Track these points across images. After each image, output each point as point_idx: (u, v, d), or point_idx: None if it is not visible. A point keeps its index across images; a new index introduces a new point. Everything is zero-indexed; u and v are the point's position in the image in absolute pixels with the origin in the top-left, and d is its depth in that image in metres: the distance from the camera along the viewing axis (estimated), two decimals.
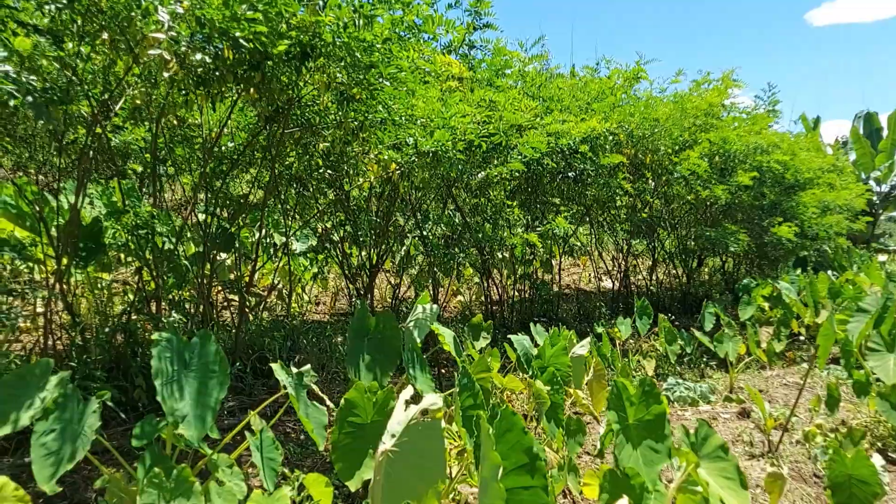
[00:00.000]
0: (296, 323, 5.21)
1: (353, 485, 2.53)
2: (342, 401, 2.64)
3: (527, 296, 8.76)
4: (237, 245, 5.52)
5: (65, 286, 3.97)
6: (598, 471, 3.20)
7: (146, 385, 4.02)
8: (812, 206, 10.73)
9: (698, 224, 9.90)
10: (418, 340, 3.47)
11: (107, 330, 4.00)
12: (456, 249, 6.25)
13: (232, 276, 6.39)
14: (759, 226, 9.93)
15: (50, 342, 3.83)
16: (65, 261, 4.04)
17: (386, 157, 4.48)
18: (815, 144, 14.88)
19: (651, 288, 10.25)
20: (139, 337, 4.08)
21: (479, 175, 6.10)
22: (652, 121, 8.00)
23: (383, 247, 6.36)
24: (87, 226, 4.76)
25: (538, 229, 6.84)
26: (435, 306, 3.57)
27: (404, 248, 6.80)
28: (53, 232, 3.96)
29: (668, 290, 10.88)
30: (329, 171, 5.02)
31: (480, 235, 6.53)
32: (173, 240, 4.17)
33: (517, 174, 6.79)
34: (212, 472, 2.72)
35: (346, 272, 6.48)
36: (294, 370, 2.83)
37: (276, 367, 2.72)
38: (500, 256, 7.67)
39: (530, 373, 5.01)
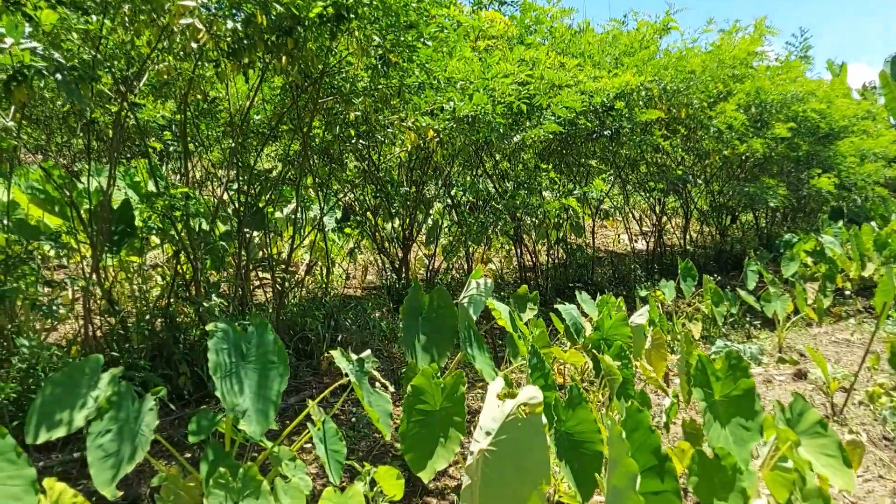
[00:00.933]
0: (336, 301, 5.05)
1: (425, 475, 2.38)
2: (409, 387, 2.48)
3: (560, 261, 8.56)
4: (266, 222, 5.36)
5: (101, 273, 3.83)
6: (675, 448, 3.03)
7: (190, 372, 3.90)
8: (850, 154, 10.36)
9: (731, 180, 9.59)
10: (474, 317, 3.29)
11: (147, 317, 3.86)
12: (491, 216, 6.05)
13: (261, 254, 6.24)
14: (796, 178, 9.61)
15: (90, 331, 3.70)
16: (98, 247, 3.89)
17: (424, 124, 4.26)
18: (844, 90, 14.40)
19: (688, 247, 10.00)
20: (179, 322, 3.94)
21: (515, 139, 5.86)
22: (687, 73, 7.67)
23: (418, 217, 6.17)
24: (118, 209, 4.61)
25: (575, 193, 6.60)
26: (490, 281, 3.39)
27: (430, 217, 6.59)
28: (84, 216, 3.81)
29: (702, 248, 10.62)
30: (361, 141, 4.80)
31: (514, 201, 6.31)
32: (208, 220, 4.00)
33: (550, 136, 6.55)
34: (273, 466, 2.58)
35: (379, 245, 6.30)
36: (353, 356, 2.67)
37: (336, 354, 2.55)
38: (530, 222, 7.45)
39: (581, 343, 4.84)
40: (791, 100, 9.03)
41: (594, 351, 3.49)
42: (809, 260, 8.15)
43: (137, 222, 4.36)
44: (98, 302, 3.94)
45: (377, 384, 2.82)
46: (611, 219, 12.76)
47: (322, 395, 2.81)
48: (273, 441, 2.73)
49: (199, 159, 6.56)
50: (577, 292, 5.17)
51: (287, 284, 4.57)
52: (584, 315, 5.02)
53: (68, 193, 3.81)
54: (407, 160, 6.21)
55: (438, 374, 2.84)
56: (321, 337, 4.69)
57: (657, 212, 9.82)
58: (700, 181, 9.69)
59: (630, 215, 10.36)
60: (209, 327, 2.32)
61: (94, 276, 3.60)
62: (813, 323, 7.45)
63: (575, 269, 8.63)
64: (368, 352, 2.69)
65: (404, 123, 4.32)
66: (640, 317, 3.86)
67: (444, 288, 3.30)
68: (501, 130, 4.67)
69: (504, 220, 6.13)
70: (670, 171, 8.68)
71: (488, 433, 1.72)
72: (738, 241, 11.08)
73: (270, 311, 4.96)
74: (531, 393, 1.85)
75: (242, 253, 4.32)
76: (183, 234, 3.89)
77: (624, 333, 3.58)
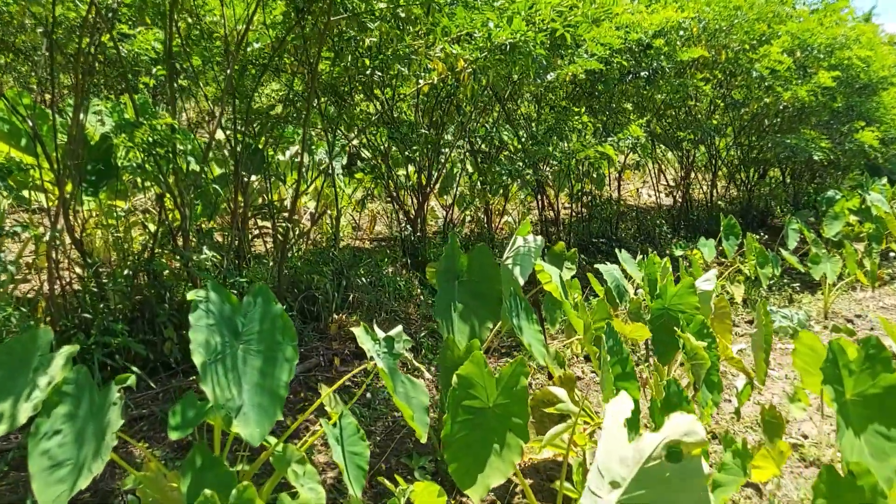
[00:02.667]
0: (345, 255, 4.46)
1: (475, 494, 1.82)
2: (454, 378, 1.90)
3: (580, 215, 7.96)
4: (266, 165, 4.73)
5: (71, 218, 3.23)
6: (772, 449, 2.48)
7: (177, 337, 3.33)
8: (893, 107, 9.65)
9: (763, 132, 8.90)
10: (521, 280, 2.70)
11: (126, 272, 3.27)
12: (519, 164, 5.41)
13: (260, 201, 5.63)
14: (837, 131, 8.92)
15: (58, 288, 3.12)
16: (69, 187, 3.28)
17: (455, 53, 3.60)
18: (878, 40, 13.54)
19: (718, 202, 9.39)
20: (165, 278, 3.36)
21: (549, 76, 5.18)
22: (731, 10, 6.93)
23: (436, 164, 5.53)
24: (95, 144, 3.98)
25: (608, 140, 5.94)
26: (539, 238, 2.79)
27: (442, 162, 5.93)
28: (54, 153, 3.18)
29: (729, 203, 10.00)
30: (377, 73, 4.14)
31: (544, 148, 5.66)
32: (198, 160, 3.37)
33: (583, 76, 5.87)
34: (277, 470, 2.02)
35: (392, 193, 5.68)
36: (380, 333, 2.09)
37: (358, 332, 1.97)
38: (554, 171, 6.79)
39: (625, 309, 4.26)
40: (838, 45, 8.29)
41: (663, 324, 2.91)
42: (854, 219, 7.54)
43: (119, 159, 3.74)
44: (67, 252, 3.35)
45: (407, 371, 2.24)
46: (627, 171, 12.08)
47: (340, 382, 2.23)
48: (277, 438, 2.17)
49: (195, 99, 5.88)
50: (617, 250, 4.58)
51: (291, 235, 3.97)
52: (627, 276, 4.45)
53: (31, 125, 3.17)
54: (423, 100, 5.53)
55: (477, 356, 2.28)
56: (330, 296, 4.11)
57: (684, 164, 9.18)
58: (732, 132, 9.01)
59: (656, 167, 9.71)
60: (190, 296, 1.73)
61: (60, 222, 2.99)
62: (857, 286, 6.89)
63: (600, 223, 8.03)
64: (400, 329, 2.12)
65: (430, 51, 3.66)
66: (707, 282, 3.28)
67: (485, 246, 2.70)
68: (544, 62, 4.00)
69: (532, 168, 5.50)
70: (703, 121, 8.00)
71: (615, 484, 1.15)
72: (763, 197, 10.45)
73: (271, 265, 4.37)
74: (685, 425, 1.26)
75: (239, 198, 3.71)
76: (169, 174, 3.27)
77: (690, 303, 3.00)
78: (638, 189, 12.01)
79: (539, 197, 7.45)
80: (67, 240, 3.29)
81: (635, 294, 4.54)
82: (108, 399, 1.77)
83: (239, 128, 4.01)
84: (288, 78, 4.88)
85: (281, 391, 1.78)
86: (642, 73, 6.41)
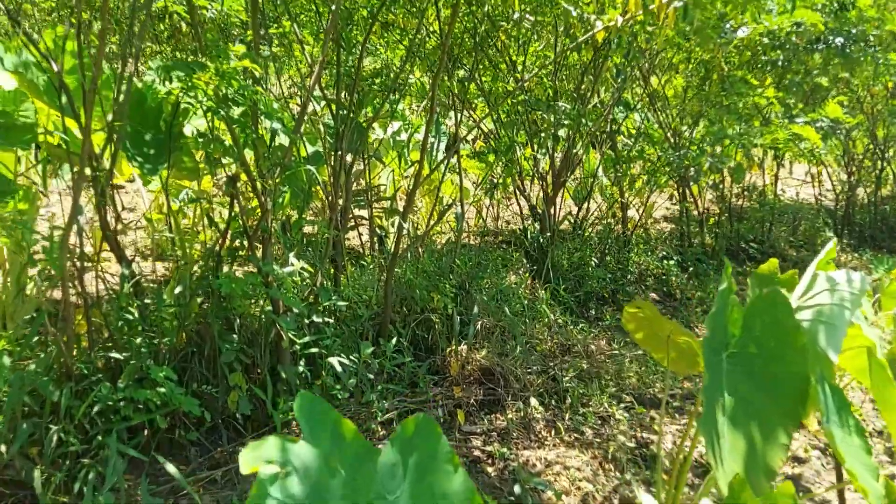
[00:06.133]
0: (468, 264, 3.34)
1: None
2: None
3: (719, 213, 6.63)
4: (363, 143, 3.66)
5: (107, 207, 2.25)
6: None
7: (247, 382, 2.31)
8: None
9: None
10: (832, 355, 1.53)
11: (178, 289, 2.26)
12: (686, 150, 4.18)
13: (354, 186, 4.57)
14: None
15: (70, 306, 2.14)
16: (107, 158, 2.31)
17: None
18: None
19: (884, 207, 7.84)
20: (234, 300, 2.33)
21: (739, 33, 3.93)
22: None
23: (576, 148, 4.35)
24: (153, 107, 3.02)
25: (798, 120, 4.61)
26: (860, 276, 1.60)
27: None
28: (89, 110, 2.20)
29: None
30: (528, 17, 3.00)
31: (715, 128, 4.41)
32: (288, 131, 2.31)
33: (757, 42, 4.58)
34: None
35: (517, 182, 4.56)
36: None
37: None
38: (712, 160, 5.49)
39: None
40: None
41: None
42: None
43: (179, 124, 2.75)
44: (95, 251, 2.36)
45: None
46: (755, 164, 10.48)
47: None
48: None
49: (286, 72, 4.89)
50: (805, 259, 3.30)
51: (403, 238, 2.90)
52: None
53: (57, 69, 2.20)
54: (556, 67, 4.35)
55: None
56: (449, 320, 3.03)
57: (847, 159, 7.66)
58: None
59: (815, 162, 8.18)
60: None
61: (73, 222, 2.00)
62: None
63: (751, 224, 6.66)
64: None
65: None
66: None
67: (780, 291, 1.53)
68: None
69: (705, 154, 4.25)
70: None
71: None
72: None
73: (371, 267, 3.32)
74: None
75: (340, 184, 2.66)
76: (247, 147, 2.25)
77: None
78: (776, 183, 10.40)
79: (681, 189, 6.16)
80: (90, 239, 2.31)
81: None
82: None
83: (341, 95, 2.95)
84: (398, 34, 3.83)
85: None
86: (836, 41, 5.02)
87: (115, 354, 2.06)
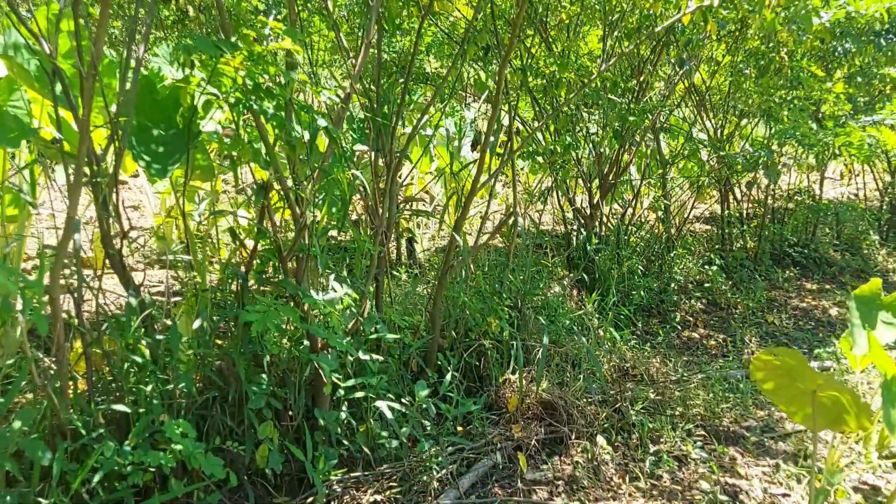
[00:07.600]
0: (518, 275, 2.93)
1: None
2: None
3: (754, 215, 6.22)
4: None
5: (111, 216, 1.85)
6: None
7: (279, 435, 1.91)
8: None
9: None
10: None
11: (198, 322, 1.85)
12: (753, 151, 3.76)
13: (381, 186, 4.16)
14: None
15: (65, 345, 1.74)
16: (108, 159, 1.91)
17: None
18: None
19: None
20: (263, 336, 1.92)
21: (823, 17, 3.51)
22: None
23: (629, 142, 3.94)
24: (165, 97, 2.61)
25: (865, 119, 4.19)
26: None
27: (638, 141, 4.31)
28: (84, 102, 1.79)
29: None
30: None
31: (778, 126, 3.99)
32: (333, 131, 1.90)
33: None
34: None
35: (559, 182, 4.14)
36: None
37: None
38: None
39: None
40: None
41: None
42: None
43: (198, 118, 2.34)
44: (96, 274, 1.95)
45: None
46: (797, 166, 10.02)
47: None
48: None
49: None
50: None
51: (452, 256, 2.49)
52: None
53: (49, 52, 1.79)
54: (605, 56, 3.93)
55: None
56: (505, 347, 2.63)
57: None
58: None
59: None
60: None
61: (77, 234, 1.60)
62: None
63: (794, 227, 6.24)
64: None
65: None
66: None
67: None
68: None
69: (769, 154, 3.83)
70: None
71: None
72: None
73: (418, 291, 2.91)
74: None
75: (384, 190, 2.25)
76: (277, 142, 1.84)
77: None
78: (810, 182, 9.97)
79: (724, 191, 5.76)
80: (91, 256, 1.90)
81: None
82: None
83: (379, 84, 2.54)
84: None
85: None
86: None
87: (120, 407, 1.65)
